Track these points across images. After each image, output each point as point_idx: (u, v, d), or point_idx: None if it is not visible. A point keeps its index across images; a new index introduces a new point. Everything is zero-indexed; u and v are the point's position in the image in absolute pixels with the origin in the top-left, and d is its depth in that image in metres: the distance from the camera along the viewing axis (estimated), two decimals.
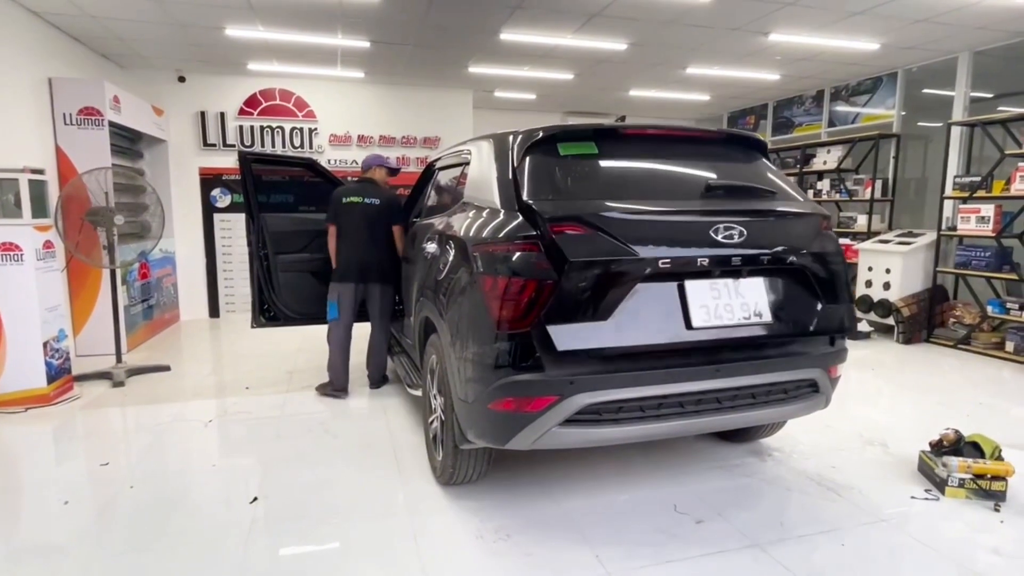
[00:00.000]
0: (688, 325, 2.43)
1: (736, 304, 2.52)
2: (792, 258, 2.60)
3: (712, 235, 2.47)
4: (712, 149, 2.98)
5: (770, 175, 2.91)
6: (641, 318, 2.38)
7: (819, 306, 2.68)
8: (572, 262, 2.29)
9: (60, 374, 4.40)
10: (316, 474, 3.17)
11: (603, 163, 2.72)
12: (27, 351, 4.17)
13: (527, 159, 2.66)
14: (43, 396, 4.22)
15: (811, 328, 2.67)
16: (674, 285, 2.45)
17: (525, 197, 2.52)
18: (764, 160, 3.03)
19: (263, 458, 3.39)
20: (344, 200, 4.24)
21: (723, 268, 2.50)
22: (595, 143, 2.75)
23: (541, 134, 2.70)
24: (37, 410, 4.15)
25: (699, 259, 2.45)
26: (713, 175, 2.75)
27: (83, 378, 4.76)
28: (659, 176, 2.80)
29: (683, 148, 2.92)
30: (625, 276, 2.35)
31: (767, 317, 2.55)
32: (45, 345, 4.24)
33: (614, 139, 2.84)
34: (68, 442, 3.78)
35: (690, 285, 2.46)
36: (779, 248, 2.59)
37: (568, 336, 2.29)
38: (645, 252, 2.37)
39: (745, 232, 2.51)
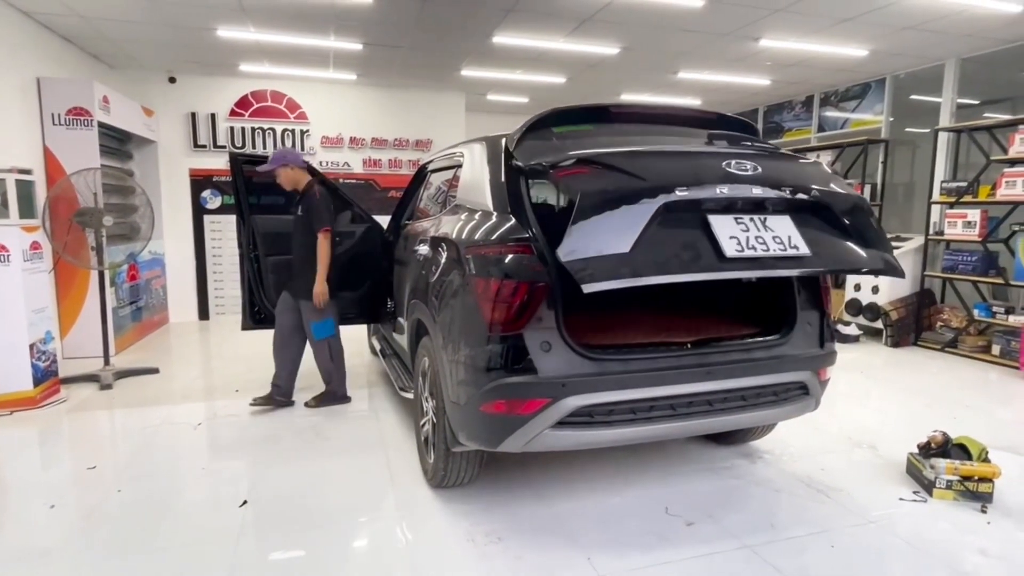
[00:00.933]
0: (721, 257, 2.21)
1: (767, 237, 2.30)
2: (816, 193, 2.42)
3: (725, 168, 2.34)
4: (707, 128, 3.03)
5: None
6: (668, 249, 2.19)
7: (855, 245, 2.46)
8: (584, 194, 2.15)
9: (46, 376, 4.35)
10: (306, 477, 3.15)
11: (600, 138, 2.72)
12: (13, 353, 4.12)
13: (526, 141, 2.64)
14: (29, 399, 4.17)
15: (851, 265, 2.47)
16: (697, 219, 2.27)
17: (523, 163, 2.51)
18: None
19: (253, 461, 3.37)
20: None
21: (744, 199, 2.31)
22: (590, 124, 2.76)
23: (542, 114, 2.67)
24: (23, 413, 4.09)
25: (718, 187, 2.27)
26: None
27: (70, 381, 4.70)
28: (658, 144, 2.78)
29: (677, 128, 2.97)
30: (639, 201, 2.19)
31: (804, 250, 2.31)
32: (32, 347, 4.19)
33: (608, 119, 2.86)
34: (54, 445, 3.74)
35: (714, 219, 2.27)
36: (799, 182, 2.43)
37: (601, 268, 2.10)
38: (659, 180, 2.24)
39: (759, 168, 2.38)
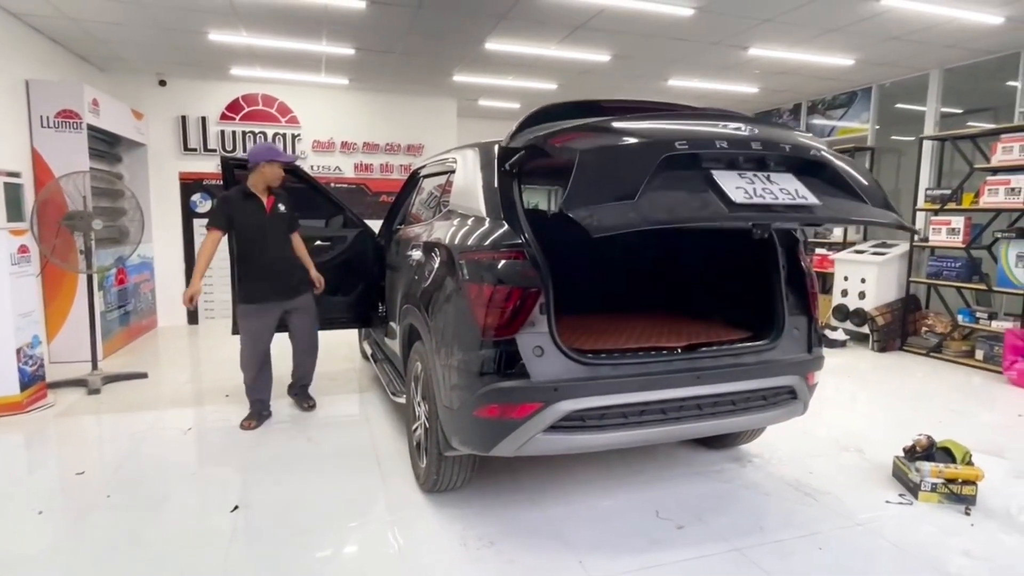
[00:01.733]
0: (729, 204, 2.14)
1: (775, 188, 2.26)
2: (815, 153, 2.41)
3: (723, 129, 2.35)
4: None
5: None
6: (675, 198, 2.14)
7: (860, 202, 2.40)
8: (584, 151, 2.15)
9: (33, 381, 4.30)
10: (298, 482, 3.15)
11: None
12: None
13: (521, 135, 2.64)
14: (15, 404, 4.12)
15: (861, 217, 2.43)
16: (700, 175, 2.23)
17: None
18: None
19: (244, 466, 3.35)
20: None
21: (746, 154, 2.29)
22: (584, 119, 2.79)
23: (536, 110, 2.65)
24: (9, 418, 4.05)
25: (717, 141, 2.26)
26: None
27: (57, 385, 4.66)
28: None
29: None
30: (639, 156, 2.18)
31: (814, 200, 2.27)
32: (19, 352, 4.15)
33: (602, 114, 2.88)
34: (42, 451, 3.70)
35: (717, 174, 2.23)
36: (798, 143, 2.42)
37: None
38: (658, 137, 2.25)
39: (756, 131, 2.38)
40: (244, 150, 7.69)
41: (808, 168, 2.40)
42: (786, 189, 2.27)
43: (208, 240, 3.82)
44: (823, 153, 2.46)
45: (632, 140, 2.24)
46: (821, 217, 2.33)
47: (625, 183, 2.08)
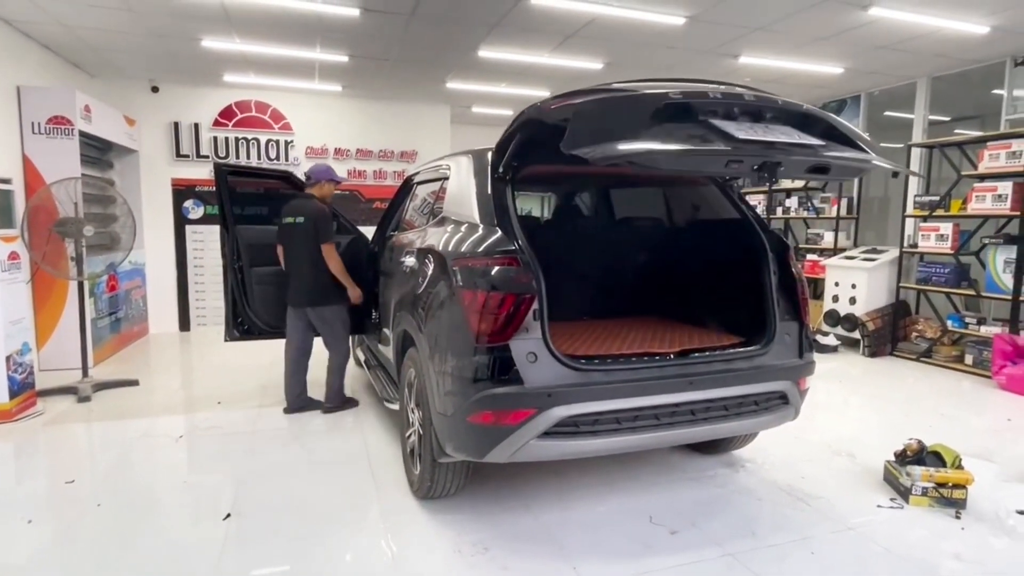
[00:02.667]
0: (732, 139, 2.14)
1: (776, 132, 2.27)
2: (806, 108, 2.43)
3: (716, 92, 2.34)
4: None
5: None
6: (677, 136, 2.15)
7: (858, 151, 2.42)
8: (582, 103, 2.18)
9: (23, 389, 4.27)
10: (291, 490, 3.13)
11: None
12: None
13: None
14: (4, 412, 4.08)
15: (863, 160, 2.42)
16: (699, 124, 2.23)
17: None
18: None
19: (236, 474, 3.33)
20: (283, 220, 4.17)
21: (741, 105, 2.30)
22: None
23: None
24: None
25: (711, 93, 2.28)
26: None
27: (47, 393, 4.62)
28: None
29: None
30: (636, 105, 2.20)
31: (816, 141, 2.29)
32: (8, 359, 4.11)
33: None
34: (31, 459, 3.67)
35: (716, 121, 2.23)
36: (791, 101, 2.43)
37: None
38: (652, 90, 2.26)
39: (749, 96, 2.37)
40: (237, 157, 7.69)
41: (805, 123, 2.40)
42: (787, 133, 2.28)
43: (334, 252, 4.09)
44: (817, 110, 2.47)
45: (627, 95, 2.25)
46: (827, 156, 2.27)
47: (624, 127, 2.10)
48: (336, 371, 4.36)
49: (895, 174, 2.59)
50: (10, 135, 5.22)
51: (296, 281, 4.15)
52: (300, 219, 4.06)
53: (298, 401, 4.35)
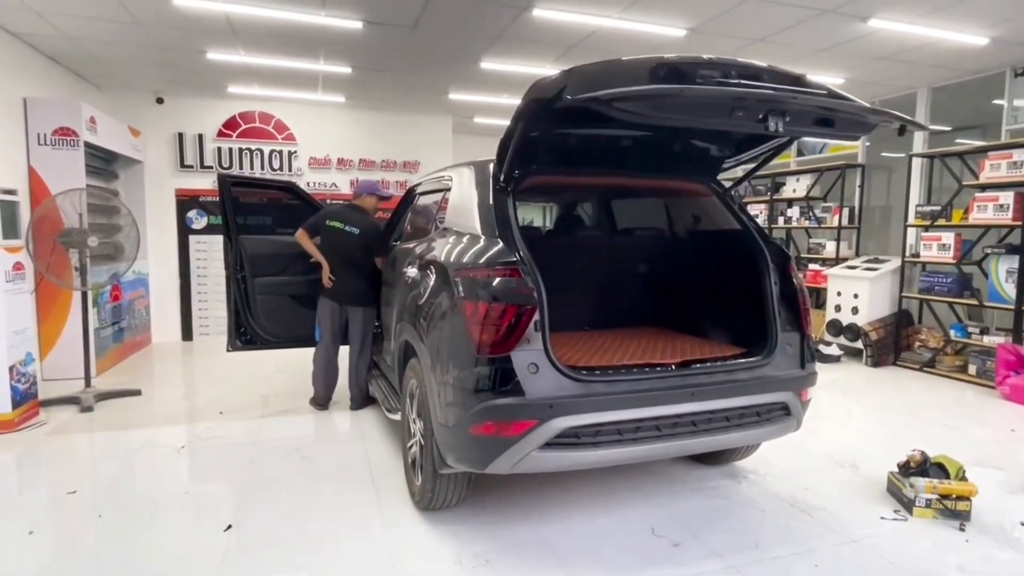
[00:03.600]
0: (736, 85, 2.21)
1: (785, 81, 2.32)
2: (801, 74, 2.45)
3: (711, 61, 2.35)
4: None
5: None
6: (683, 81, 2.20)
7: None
8: (579, 68, 2.17)
9: (26, 399, 4.27)
10: (292, 501, 3.13)
11: None
12: None
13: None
14: (7, 422, 4.09)
15: (863, 112, 2.46)
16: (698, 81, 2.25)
17: None
18: None
19: (237, 485, 3.33)
20: (327, 222, 4.39)
21: (740, 71, 2.32)
22: None
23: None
24: (0, 437, 4.01)
25: (710, 61, 2.30)
26: None
27: (50, 403, 4.62)
28: None
29: None
30: (638, 65, 2.22)
31: (818, 91, 2.35)
32: (11, 369, 4.12)
33: None
34: (33, 469, 3.67)
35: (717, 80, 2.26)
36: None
37: None
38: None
39: (744, 61, 2.41)
40: (241, 167, 7.74)
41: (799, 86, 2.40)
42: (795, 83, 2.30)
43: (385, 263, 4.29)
44: (813, 80, 2.46)
45: (627, 59, 2.26)
46: (832, 100, 2.28)
47: (626, 78, 2.11)
48: (360, 371, 4.58)
49: (901, 130, 2.59)
50: (16, 146, 5.26)
51: (339, 280, 4.39)
52: (355, 230, 4.36)
53: (325, 394, 4.67)
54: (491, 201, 2.80)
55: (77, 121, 5.49)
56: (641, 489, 3.27)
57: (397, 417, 3.47)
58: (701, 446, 2.77)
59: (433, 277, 2.87)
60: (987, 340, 5.62)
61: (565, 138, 2.92)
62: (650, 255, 3.91)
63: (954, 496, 2.94)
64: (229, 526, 2.83)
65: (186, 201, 7.61)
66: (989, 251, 5.67)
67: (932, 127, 6.83)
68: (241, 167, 7.76)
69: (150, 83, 6.97)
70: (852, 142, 2.84)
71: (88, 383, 4.86)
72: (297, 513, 2.98)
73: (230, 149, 7.71)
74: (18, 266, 4.26)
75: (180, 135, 7.52)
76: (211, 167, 7.62)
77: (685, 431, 2.62)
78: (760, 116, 2.22)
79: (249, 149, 7.79)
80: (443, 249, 2.88)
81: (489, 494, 3.15)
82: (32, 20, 4.84)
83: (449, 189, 3.29)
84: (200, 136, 7.59)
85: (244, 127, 7.76)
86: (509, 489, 3.20)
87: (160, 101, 7.43)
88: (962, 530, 2.85)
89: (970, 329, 5.84)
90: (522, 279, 2.45)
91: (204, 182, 7.57)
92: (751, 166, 3.35)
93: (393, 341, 3.55)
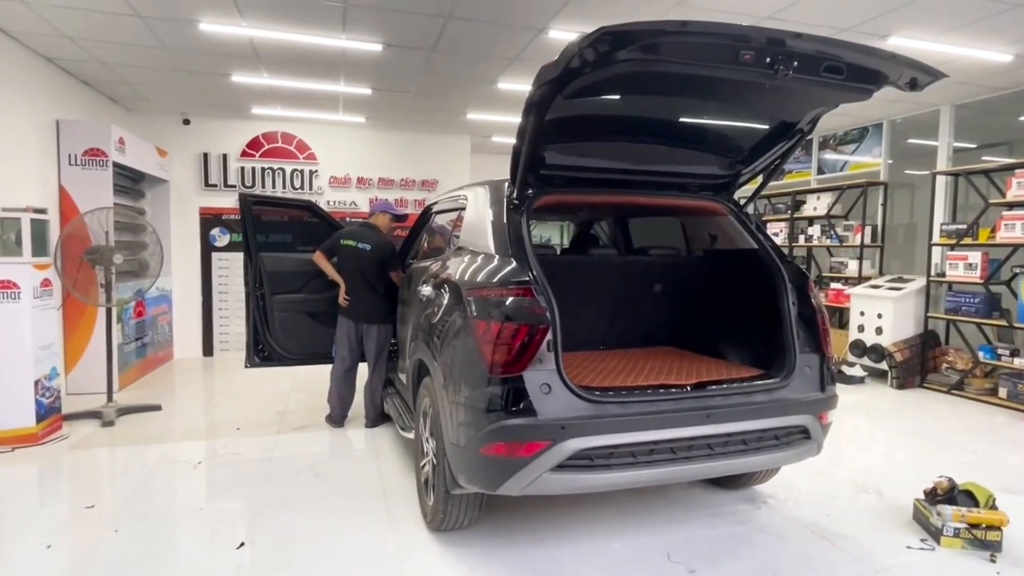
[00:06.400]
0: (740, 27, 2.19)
1: None
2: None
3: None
4: None
5: None
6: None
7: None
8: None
9: (50, 413, 4.36)
10: (305, 519, 3.13)
11: None
12: (17, 390, 4.14)
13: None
14: (31, 435, 4.17)
15: (875, 66, 2.43)
16: None
17: None
18: None
19: (252, 502, 3.34)
20: (341, 242, 4.46)
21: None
22: None
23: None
24: (24, 450, 4.09)
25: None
26: None
27: (73, 417, 4.71)
28: None
29: None
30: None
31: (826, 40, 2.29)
32: (36, 383, 4.21)
33: None
34: (54, 483, 3.73)
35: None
36: None
37: None
38: None
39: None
40: (263, 187, 7.89)
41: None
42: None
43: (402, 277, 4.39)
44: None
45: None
46: (849, 48, 2.25)
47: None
48: (375, 388, 4.61)
49: (912, 83, 2.51)
50: (48, 167, 5.44)
51: (355, 298, 4.44)
52: (367, 247, 4.38)
53: (341, 411, 4.70)
54: (505, 220, 2.81)
55: (106, 142, 5.66)
56: (658, 513, 3.21)
57: (411, 435, 3.46)
58: (717, 470, 2.72)
59: (446, 296, 2.88)
60: (1018, 362, 5.45)
61: (581, 152, 2.93)
62: (666, 274, 3.89)
63: (984, 525, 2.83)
64: (242, 543, 2.84)
65: (210, 219, 7.77)
66: (1018, 271, 5.51)
67: (957, 143, 6.71)
68: (264, 186, 7.91)
69: (177, 105, 7.18)
70: (863, 98, 2.71)
71: (110, 398, 4.95)
72: (309, 532, 2.98)
73: (253, 168, 7.88)
74: (46, 283, 4.38)
75: (205, 155, 7.71)
76: (234, 186, 7.78)
77: (701, 454, 2.57)
78: (768, 60, 2.16)
79: (271, 168, 7.95)
80: (456, 268, 2.89)
81: (501, 515, 3.11)
82: (67, 46, 5.03)
83: (464, 208, 3.31)
84: (224, 156, 7.77)
85: (267, 147, 7.93)
86: (522, 511, 3.16)
87: (187, 122, 7.64)
88: (993, 561, 2.74)
89: (1000, 351, 5.66)
90: (535, 298, 2.45)
91: (228, 201, 7.73)
92: (762, 178, 3.31)
93: (408, 359, 3.55)
